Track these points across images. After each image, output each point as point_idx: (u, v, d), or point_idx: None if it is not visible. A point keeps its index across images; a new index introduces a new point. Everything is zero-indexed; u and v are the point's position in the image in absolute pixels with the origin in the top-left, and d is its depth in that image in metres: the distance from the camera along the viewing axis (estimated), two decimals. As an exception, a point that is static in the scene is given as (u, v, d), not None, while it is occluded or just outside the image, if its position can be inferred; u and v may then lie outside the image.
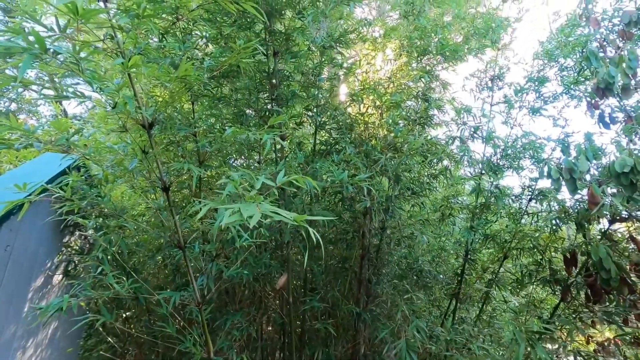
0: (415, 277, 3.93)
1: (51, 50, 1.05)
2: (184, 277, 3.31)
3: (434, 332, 3.07)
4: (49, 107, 10.68)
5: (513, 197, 4.02)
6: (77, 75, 1.70)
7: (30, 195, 1.84)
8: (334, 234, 3.90)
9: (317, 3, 3.23)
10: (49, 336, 3.02)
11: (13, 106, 10.13)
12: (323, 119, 3.77)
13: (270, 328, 4.06)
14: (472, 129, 3.88)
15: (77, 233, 3.21)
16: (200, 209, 1.56)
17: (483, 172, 3.97)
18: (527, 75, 4.15)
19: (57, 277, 2.98)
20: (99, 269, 2.23)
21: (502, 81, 4.20)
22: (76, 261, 3.15)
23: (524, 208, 3.88)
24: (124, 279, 2.06)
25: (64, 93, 1.52)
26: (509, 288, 3.97)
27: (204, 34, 3.31)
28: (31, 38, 1.20)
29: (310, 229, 1.44)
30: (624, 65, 2.60)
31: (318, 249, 3.62)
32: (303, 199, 3.28)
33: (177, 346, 2.47)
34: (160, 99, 3.25)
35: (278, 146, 3.59)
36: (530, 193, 3.84)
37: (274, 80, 3.47)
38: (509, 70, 4.23)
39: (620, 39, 3.14)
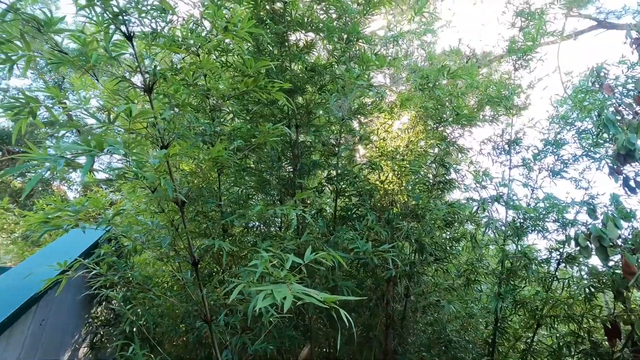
0: (443, 347, 3.74)
1: (107, 149, 1.18)
2: (206, 349, 3.25)
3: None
4: (78, 172, 11.29)
5: (541, 261, 3.88)
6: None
7: (68, 271, 1.92)
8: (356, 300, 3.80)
9: (337, 80, 3.44)
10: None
11: (47, 174, 10.70)
12: (343, 186, 3.84)
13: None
14: (494, 197, 3.86)
15: (104, 304, 3.24)
16: (232, 289, 1.60)
17: (507, 235, 3.90)
18: (544, 139, 4.19)
19: (83, 350, 2.97)
20: (128, 346, 2.23)
21: (519, 145, 4.25)
22: (102, 332, 3.14)
23: (554, 272, 3.74)
24: (152, 355, 2.05)
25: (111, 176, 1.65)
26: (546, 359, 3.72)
27: (231, 109, 3.54)
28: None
29: (342, 311, 1.44)
30: (642, 132, 2.64)
31: (341, 319, 3.51)
32: (326, 265, 3.26)
33: None
34: (188, 170, 3.41)
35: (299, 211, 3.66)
36: (558, 256, 3.73)
37: (295, 151, 3.62)
38: (525, 134, 4.30)
39: (637, 104, 3.20)
